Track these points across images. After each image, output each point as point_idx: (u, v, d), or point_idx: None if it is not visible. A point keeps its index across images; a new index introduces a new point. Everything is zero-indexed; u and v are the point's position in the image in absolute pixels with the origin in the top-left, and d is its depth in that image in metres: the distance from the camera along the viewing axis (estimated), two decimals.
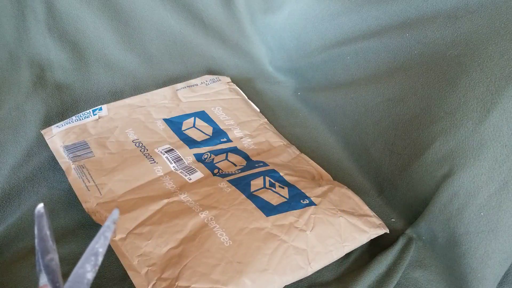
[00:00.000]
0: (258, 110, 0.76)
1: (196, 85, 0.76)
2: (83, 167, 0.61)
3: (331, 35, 0.77)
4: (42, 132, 0.66)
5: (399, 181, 0.60)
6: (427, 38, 0.62)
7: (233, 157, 0.66)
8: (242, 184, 0.58)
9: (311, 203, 0.56)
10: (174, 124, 0.70)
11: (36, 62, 0.79)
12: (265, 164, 0.63)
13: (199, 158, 0.65)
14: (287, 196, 0.57)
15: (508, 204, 0.50)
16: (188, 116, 0.72)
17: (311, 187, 0.59)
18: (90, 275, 0.35)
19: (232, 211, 0.54)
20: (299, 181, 0.60)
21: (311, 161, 0.68)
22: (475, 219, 0.51)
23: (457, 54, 0.57)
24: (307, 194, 0.57)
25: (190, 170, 0.62)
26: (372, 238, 0.56)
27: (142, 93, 0.75)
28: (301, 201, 0.56)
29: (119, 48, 0.82)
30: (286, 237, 0.52)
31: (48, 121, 0.73)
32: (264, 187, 0.58)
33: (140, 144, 0.66)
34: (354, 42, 0.72)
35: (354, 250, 0.56)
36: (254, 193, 0.57)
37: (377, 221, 0.58)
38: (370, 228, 0.56)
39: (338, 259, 0.55)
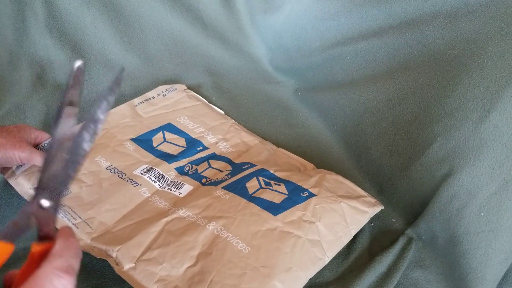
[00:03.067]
0: (223, 112, 0.75)
1: (153, 97, 0.74)
2: (64, 206, 0.57)
3: (331, 35, 0.77)
4: (5, 176, 0.60)
5: (399, 181, 0.60)
6: (427, 38, 0.62)
7: (216, 164, 0.65)
8: (238, 189, 0.58)
9: (311, 194, 0.56)
10: (144, 142, 0.67)
11: (36, 62, 0.79)
12: (252, 165, 0.63)
13: (181, 171, 0.63)
14: (286, 192, 0.57)
15: (508, 204, 0.50)
16: (155, 131, 0.69)
17: (304, 179, 0.60)
18: (87, 146, 0.34)
19: (239, 217, 0.53)
20: (291, 175, 0.60)
21: (291, 154, 0.69)
22: (475, 219, 0.51)
23: (457, 54, 0.57)
24: (304, 186, 0.58)
25: (177, 185, 0.61)
26: (371, 217, 0.58)
27: (143, 93, 0.75)
28: (301, 194, 0.56)
29: (119, 48, 0.82)
30: (299, 232, 0.52)
31: (48, 121, 0.73)
32: (261, 187, 0.58)
33: (116, 170, 0.62)
34: (354, 42, 0.72)
35: (354, 250, 0.57)
36: (253, 195, 0.56)
37: (372, 199, 0.60)
38: (369, 208, 0.58)
39: (338, 259, 0.55)
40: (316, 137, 0.74)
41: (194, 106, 0.74)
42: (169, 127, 0.70)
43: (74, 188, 0.59)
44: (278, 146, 0.71)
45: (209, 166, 0.65)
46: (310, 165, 0.67)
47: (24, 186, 0.59)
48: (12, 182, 0.60)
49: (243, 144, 0.69)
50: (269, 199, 0.56)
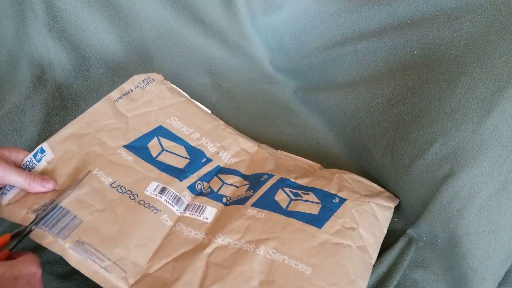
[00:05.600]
0: (209, 111, 0.71)
1: (131, 90, 0.65)
2: (83, 243, 0.48)
3: (331, 35, 0.77)
4: None
5: (400, 181, 0.60)
6: (427, 38, 0.61)
7: (228, 179, 0.62)
8: (269, 204, 0.56)
9: (342, 199, 0.56)
10: (140, 151, 0.60)
11: (36, 62, 0.79)
12: (269, 175, 0.61)
13: (193, 190, 0.59)
14: (319, 201, 0.56)
15: (508, 204, 0.50)
16: (148, 137, 0.62)
17: (326, 183, 0.59)
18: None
19: (286, 235, 0.51)
20: (311, 181, 0.60)
21: (293, 155, 0.68)
22: (475, 220, 0.51)
23: (457, 54, 0.57)
24: (331, 192, 0.58)
25: (198, 208, 0.56)
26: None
27: None
28: (333, 200, 0.56)
29: (119, 48, 0.82)
30: (348, 241, 0.51)
31: (48, 121, 0.73)
32: (291, 199, 0.56)
33: (123, 189, 0.54)
34: (354, 42, 0.72)
35: None
36: (288, 209, 0.55)
37: (389, 193, 0.61)
38: (391, 203, 0.59)
39: None
40: (316, 138, 0.74)
41: (179, 104, 0.68)
42: (163, 132, 0.64)
43: (83, 215, 0.50)
44: (278, 146, 0.70)
45: (223, 182, 0.61)
46: (316, 165, 0.66)
47: (19, 213, 0.49)
48: (3, 214, 0.50)
49: (243, 152, 0.66)
50: (306, 211, 0.54)
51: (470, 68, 0.54)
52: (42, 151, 0.54)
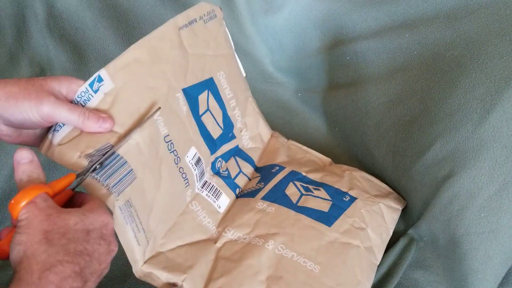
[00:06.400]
0: (245, 74, 0.64)
1: (195, 21, 0.54)
2: (130, 206, 0.43)
3: (331, 35, 0.77)
4: (42, 152, 0.44)
5: (402, 182, 0.60)
6: (427, 38, 0.62)
7: (244, 167, 0.61)
8: (279, 198, 0.55)
9: (352, 198, 0.57)
10: (192, 101, 0.53)
11: (36, 62, 0.79)
12: (280, 167, 0.61)
13: (213, 167, 0.58)
14: (329, 198, 0.56)
15: (508, 205, 0.50)
16: (201, 87, 0.54)
17: (337, 180, 0.59)
18: None
19: (296, 232, 0.51)
20: (322, 177, 0.60)
21: (304, 147, 0.67)
22: (475, 220, 0.51)
23: (457, 54, 0.57)
24: (342, 189, 0.58)
25: (215, 192, 0.55)
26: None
27: None
28: (343, 198, 0.56)
29: (119, 48, 0.82)
30: (356, 241, 0.52)
31: None
32: (302, 194, 0.56)
33: (172, 147, 0.48)
34: (354, 42, 0.72)
35: None
36: (299, 204, 0.55)
37: (397, 195, 0.61)
38: (399, 205, 0.59)
39: None
40: (317, 138, 0.74)
41: (228, 57, 0.59)
42: (212, 87, 0.56)
43: (138, 169, 0.43)
44: None
45: (240, 170, 0.60)
46: (327, 160, 0.66)
47: (70, 156, 0.41)
48: (50, 153, 0.42)
49: (259, 139, 0.65)
50: (316, 208, 0.54)
51: (470, 68, 0.54)
52: (100, 79, 0.44)
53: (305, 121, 0.77)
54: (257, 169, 0.63)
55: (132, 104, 0.45)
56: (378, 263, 0.53)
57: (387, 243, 0.55)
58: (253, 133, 0.64)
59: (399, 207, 0.59)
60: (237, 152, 0.61)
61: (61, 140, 0.42)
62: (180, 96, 0.50)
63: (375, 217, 0.55)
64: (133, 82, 0.46)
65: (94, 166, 0.41)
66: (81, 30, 0.79)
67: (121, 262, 0.57)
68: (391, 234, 0.56)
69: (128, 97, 0.45)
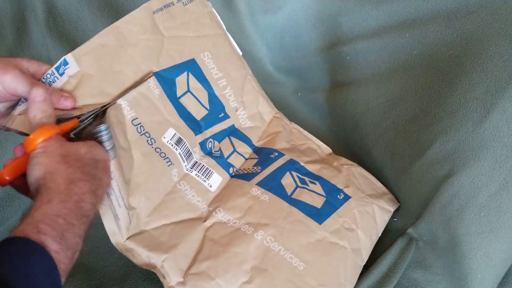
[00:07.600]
0: (241, 53, 0.62)
1: (172, 4, 0.55)
2: (113, 177, 0.47)
3: (331, 35, 0.77)
4: (6, 125, 0.46)
5: (401, 181, 0.60)
6: (427, 38, 0.62)
7: (239, 146, 0.59)
8: (275, 187, 0.55)
9: (346, 196, 0.56)
10: (167, 84, 0.53)
11: None
12: (280, 153, 0.60)
13: (204, 148, 0.56)
14: (324, 193, 0.56)
15: (508, 204, 0.50)
16: (179, 69, 0.54)
17: (335, 175, 0.59)
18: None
19: (286, 225, 0.51)
20: (320, 170, 0.59)
21: (305, 132, 0.66)
22: (475, 220, 0.51)
23: (457, 54, 0.57)
24: (338, 186, 0.57)
25: (205, 172, 0.54)
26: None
27: None
28: (338, 196, 0.56)
29: None
30: (344, 242, 0.51)
31: None
32: (297, 186, 0.56)
33: (142, 129, 0.49)
34: (354, 42, 0.72)
35: None
36: (293, 196, 0.54)
37: (391, 196, 0.61)
38: (391, 206, 0.59)
39: None
40: (317, 138, 0.74)
41: (216, 37, 0.59)
42: (194, 68, 0.56)
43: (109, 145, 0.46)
44: None
45: (234, 149, 0.58)
46: (327, 149, 0.65)
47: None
48: (9, 125, 0.45)
49: (259, 118, 0.62)
50: (310, 203, 0.54)
51: (470, 68, 0.54)
52: (66, 63, 0.46)
53: (305, 120, 0.77)
54: (255, 149, 0.61)
55: (95, 87, 0.47)
56: (363, 264, 0.53)
57: (375, 244, 0.56)
58: (251, 111, 0.62)
59: (391, 209, 0.59)
60: (232, 132, 0.59)
61: (22, 111, 0.44)
62: (151, 80, 0.51)
63: (367, 218, 0.55)
64: (99, 66, 0.48)
65: (95, 112, 0.46)
66: (81, 30, 0.79)
67: (121, 262, 0.57)
68: (379, 235, 0.56)
69: (92, 80, 0.47)
